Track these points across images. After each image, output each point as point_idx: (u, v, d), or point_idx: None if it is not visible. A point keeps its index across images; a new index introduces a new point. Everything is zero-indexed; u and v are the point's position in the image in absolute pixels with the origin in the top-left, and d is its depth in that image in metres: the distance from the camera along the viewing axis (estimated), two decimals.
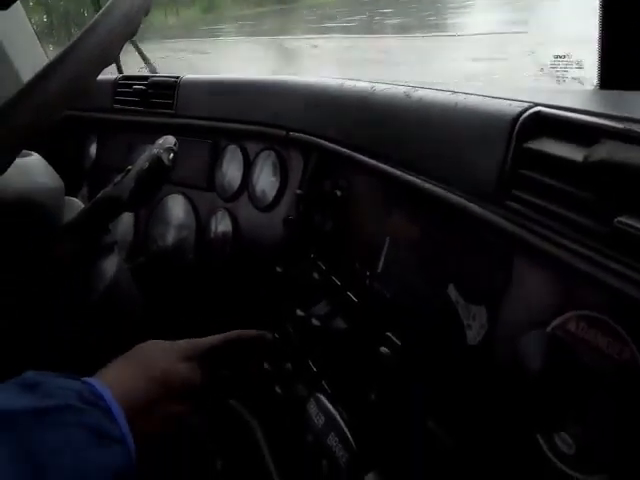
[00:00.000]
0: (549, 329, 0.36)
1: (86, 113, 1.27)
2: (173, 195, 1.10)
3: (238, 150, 0.99)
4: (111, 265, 0.75)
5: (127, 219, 1.20)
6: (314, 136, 0.78)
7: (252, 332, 0.65)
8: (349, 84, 0.79)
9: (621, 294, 0.32)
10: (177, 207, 1.10)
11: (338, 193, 0.71)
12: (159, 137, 0.74)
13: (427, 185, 0.53)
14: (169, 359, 0.57)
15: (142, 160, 0.71)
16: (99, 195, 0.73)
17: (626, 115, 0.38)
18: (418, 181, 0.54)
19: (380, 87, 0.73)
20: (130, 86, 1.21)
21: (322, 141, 0.76)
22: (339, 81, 0.81)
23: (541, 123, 0.43)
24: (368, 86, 0.75)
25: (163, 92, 1.13)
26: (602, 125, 0.38)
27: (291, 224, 0.84)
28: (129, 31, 0.57)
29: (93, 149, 1.32)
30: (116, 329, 0.75)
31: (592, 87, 0.84)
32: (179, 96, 1.11)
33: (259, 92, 0.94)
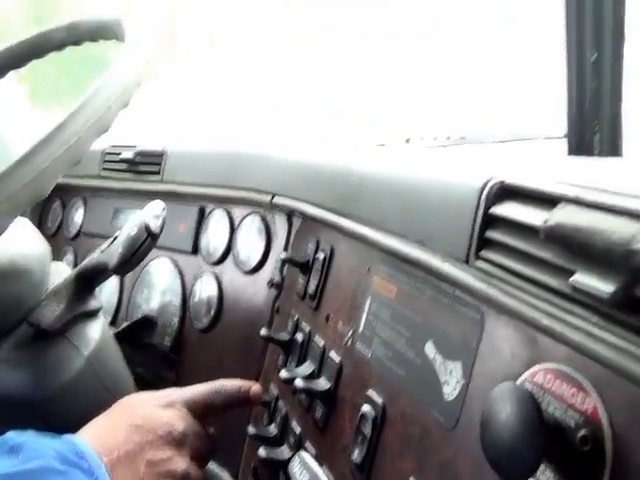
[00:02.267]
0: (519, 382, 0.38)
1: (73, 180, 1.30)
2: (159, 259, 1.12)
3: (224, 215, 1.02)
4: (96, 330, 0.75)
5: (112, 283, 1.21)
6: (298, 200, 0.82)
7: (238, 382, 0.65)
8: (331, 151, 0.84)
9: (582, 347, 0.34)
10: (163, 271, 1.12)
11: (321, 256, 0.74)
12: (146, 203, 0.75)
13: (405, 247, 0.56)
14: (150, 406, 0.56)
15: (130, 226, 0.72)
16: (86, 261, 0.74)
17: (581, 183, 0.42)
18: (396, 243, 0.57)
19: (360, 153, 0.78)
20: (118, 154, 1.25)
21: (305, 205, 0.80)
22: (322, 147, 0.86)
23: (505, 190, 0.47)
24: (349, 152, 0.80)
25: (150, 160, 1.18)
26: (559, 192, 0.41)
27: (275, 287, 0.87)
28: (124, 102, 0.61)
29: (79, 214, 1.35)
30: (99, 394, 0.75)
31: (559, 155, 0.90)
32: (166, 164, 1.15)
33: (244, 160, 0.99)
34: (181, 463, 0.55)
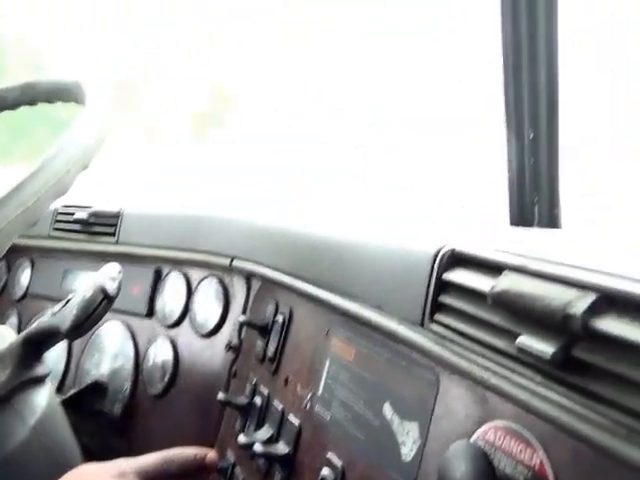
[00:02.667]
0: (472, 440, 0.41)
1: (20, 239, 1.27)
2: (111, 322, 1.10)
3: (181, 277, 1.02)
4: (42, 397, 0.73)
5: (59, 347, 1.17)
6: (257, 264, 0.84)
7: (193, 449, 0.63)
8: (290, 215, 0.87)
9: (528, 405, 0.37)
10: (115, 335, 1.10)
11: (280, 319, 0.75)
12: (99, 264, 0.75)
13: (362, 311, 0.58)
14: (100, 478, 0.55)
15: (85, 288, 0.71)
16: (36, 324, 0.72)
17: (524, 252, 0.46)
18: (354, 307, 0.60)
19: (318, 219, 0.81)
20: (71, 214, 1.24)
21: (264, 269, 0.82)
22: (281, 212, 0.89)
23: (456, 257, 0.51)
24: (307, 217, 0.84)
25: (105, 221, 1.17)
26: (504, 260, 0.45)
27: (233, 350, 0.87)
28: (84, 164, 0.62)
29: (26, 276, 1.31)
30: (46, 465, 0.72)
31: (503, 224, 0.96)
32: (122, 225, 1.15)
33: (202, 222, 1.00)
34: None
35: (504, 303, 0.41)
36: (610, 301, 0.35)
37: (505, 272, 0.44)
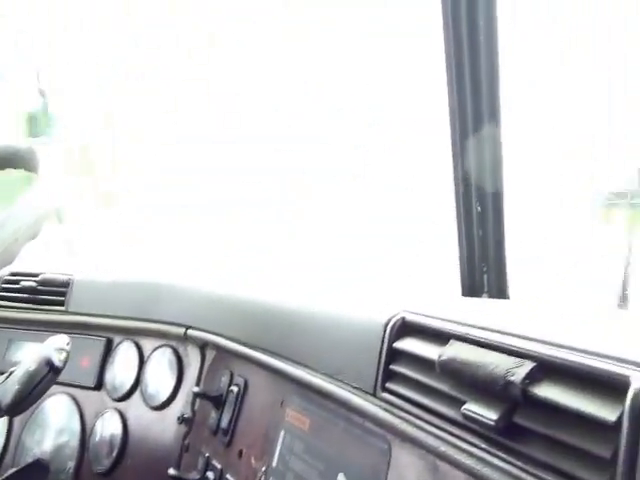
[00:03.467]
0: None
1: None
2: (56, 396, 1.06)
3: (133, 347, 1.00)
4: None
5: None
6: (212, 333, 0.84)
7: None
8: (246, 284, 0.88)
9: (475, 471, 0.38)
10: (60, 409, 1.05)
11: (235, 389, 0.75)
12: (47, 334, 0.72)
13: (316, 379, 0.59)
14: None
15: (29, 361, 0.69)
16: None
17: (470, 322, 0.48)
18: (308, 376, 0.60)
19: (273, 289, 0.82)
20: (18, 282, 1.20)
21: (220, 338, 0.81)
22: (237, 281, 0.90)
23: (406, 326, 0.53)
24: (262, 287, 0.84)
25: (54, 289, 1.14)
26: (451, 329, 0.48)
27: (185, 422, 0.84)
28: (31, 234, 0.62)
29: None
30: None
31: (455, 293, 0.99)
32: (72, 293, 1.12)
33: (157, 290, 0.99)
34: None
35: (451, 371, 0.43)
36: (546, 368, 0.37)
37: (451, 341, 0.46)
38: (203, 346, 0.88)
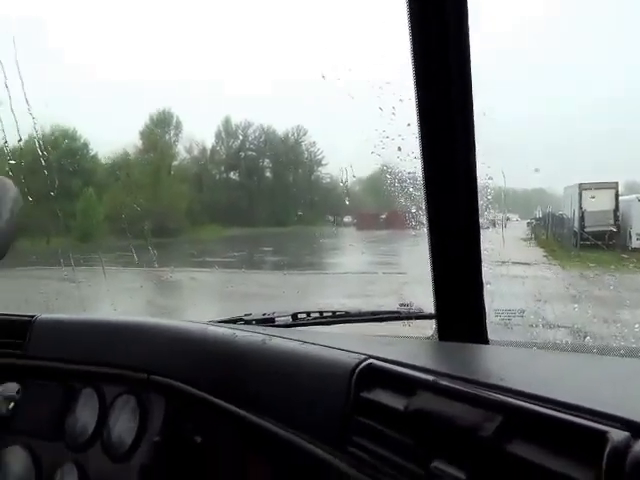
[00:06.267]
0: None
1: None
2: (11, 447, 0.99)
3: (94, 394, 0.94)
4: None
5: None
6: (176, 380, 0.79)
7: None
8: (212, 328, 0.84)
9: None
10: (15, 462, 0.98)
11: (197, 439, 0.70)
12: (1, 381, 0.69)
13: (279, 430, 0.55)
14: None
15: None
16: None
17: (441, 369, 0.45)
18: (271, 426, 0.56)
19: (241, 333, 0.78)
20: None
21: (183, 385, 0.77)
22: (202, 325, 0.86)
23: (373, 373, 0.49)
24: (229, 331, 0.81)
25: (13, 331, 1.08)
26: (418, 378, 0.44)
27: (148, 474, 0.79)
28: None
29: None
30: None
31: (432, 335, 0.95)
32: (32, 335, 1.06)
33: (120, 333, 0.94)
34: None
35: (417, 423, 0.40)
36: (518, 422, 0.34)
37: (418, 391, 0.42)
38: (167, 393, 0.83)
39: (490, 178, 1.01)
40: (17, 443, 0.96)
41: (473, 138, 0.87)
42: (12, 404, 0.64)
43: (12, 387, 0.66)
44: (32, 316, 1.08)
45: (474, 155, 0.88)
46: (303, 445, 0.51)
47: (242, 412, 0.63)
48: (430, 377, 0.44)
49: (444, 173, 0.87)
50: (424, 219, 0.91)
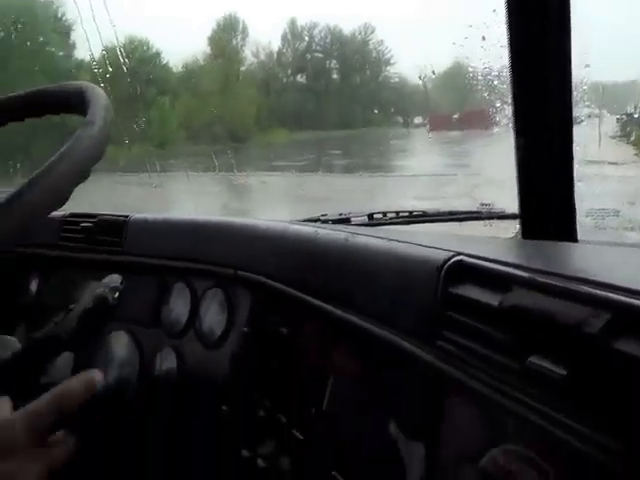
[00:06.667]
0: (481, 464, 0.38)
1: (29, 249, 1.27)
2: (117, 332, 1.09)
3: (185, 287, 1.01)
4: None
5: (65, 358, 1.16)
6: (261, 275, 0.82)
7: (77, 379, 0.59)
8: (294, 227, 0.86)
9: (537, 427, 0.35)
10: (120, 345, 1.08)
11: (284, 331, 0.74)
12: (105, 274, 0.75)
13: (366, 325, 0.56)
14: None
15: (86, 299, 0.72)
16: (38, 334, 0.72)
17: (534, 266, 0.44)
18: (357, 320, 0.58)
19: (323, 231, 0.79)
20: (78, 223, 1.23)
21: (269, 280, 0.80)
22: (283, 224, 0.88)
23: (463, 270, 0.49)
24: (311, 229, 0.82)
25: (111, 230, 1.16)
26: (514, 275, 0.43)
27: (237, 362, 0.85)
28: (81, 176, 0.61)
29: (34, 286, 1.30)
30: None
31: (515, 234, 0.93)
32: (127, 234, 1.13)
33: (208, 231, 0.99)
34: None
35: (513, 320, 0.39)
36: (626, 321, 0.33)
37: (514, 287, 0.42)
38: (253, 287, 0.87)
39: (587, 66, 0.93)
40: (122, 329, 1.06)
41: (568, 23, 0.79)
42: (117, 294, 0.70)
43: (116, 278, 0.72)
44: (126, 216, 1.14)
45: (569, 42, 0.80)
46: (389, 338, 0.53)
47: (328, 307, 0.65)
48: (525, 273, 0.43)
49: (534, 62, 0.80)
50: (508, 114, 0.87)
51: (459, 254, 0.50)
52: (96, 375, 0.60)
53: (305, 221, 1.05)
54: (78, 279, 1.22)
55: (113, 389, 1.05)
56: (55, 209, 0.60)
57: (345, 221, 1.16)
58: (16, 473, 0.52)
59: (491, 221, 1.10)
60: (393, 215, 1.19)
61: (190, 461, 0.83)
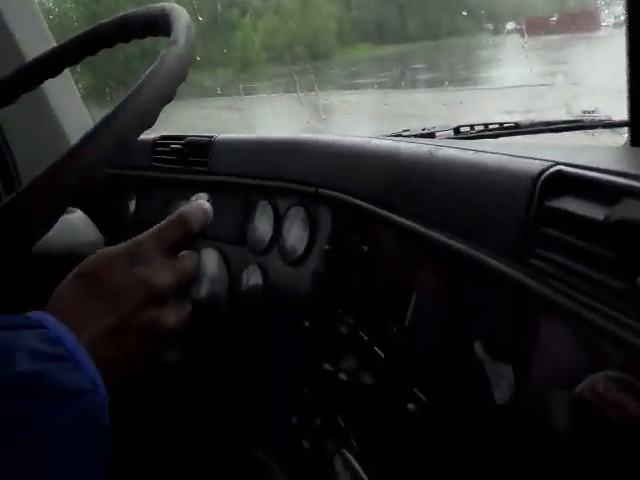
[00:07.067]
0: (577, 390, 0.36)
1: (126, 171, 1.33)
2: (206, 249, 1.13)
3: (268, 206, 1.02)
4: None
5: None
6: (342, 193, 0.81)
7: (192, 206, 0.64)
8: (375, 142, 0.82)
9: None
10: (210, 261, 1.13)
11: (365, 249, 0.72)
12: (194, 194, 0.77)
13: (451, 241, 0.53)
14: (122, 267, 0.54)
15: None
16: None
17: None
18: (442, 237, 0.55)
19: (405, 145, 0.75)
20: (168, 145, 1.27)
21: (350, 198, 0.78)
22: (364, 140, 0.84)
23: (563, 181, 0.44)
24: (393, 144, 0.78)
25: (198, 151, 1.18)
26: (623, 184, 0.38)
27: (320, 279, 0.86)
28: (167, 97, 0.61)
29: (132, 205, 1.37)
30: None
31: (622, 144, 0.84)
32: (213, 155, 1.15)
33: (289, 150, 0.98)
34: (169, 318, 0.55)
35: (621, 235, 0.35)
36: None
37: (623, 198, 0.37)
38: (334, 205, 0.86)
39: None
40: (211, 246, 1.10)
41: None
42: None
43: (203, 196, 0.73)
44: (211, 136, 1.15)
45: None
46: (476, 256, 0.50)
47: (410, 223, 0.62)
48: (637, 183, 0.37)
49: None
50: (616, 13, 0.76)
51: (557, 164, 0.45)
52: (207, 205, 0.65)
53: (388, 136, 1.01)
54: (170, 198, 1.27)
55: (206, 304, 1.10)
56: (144, 130, 0.60)
57: (430, 135, 1.11)
58: (151, 277, 0.55)
59: (594, 130, 1.00)
60: (482, 128, 1.12)
61: (273, 373, 0.87)
